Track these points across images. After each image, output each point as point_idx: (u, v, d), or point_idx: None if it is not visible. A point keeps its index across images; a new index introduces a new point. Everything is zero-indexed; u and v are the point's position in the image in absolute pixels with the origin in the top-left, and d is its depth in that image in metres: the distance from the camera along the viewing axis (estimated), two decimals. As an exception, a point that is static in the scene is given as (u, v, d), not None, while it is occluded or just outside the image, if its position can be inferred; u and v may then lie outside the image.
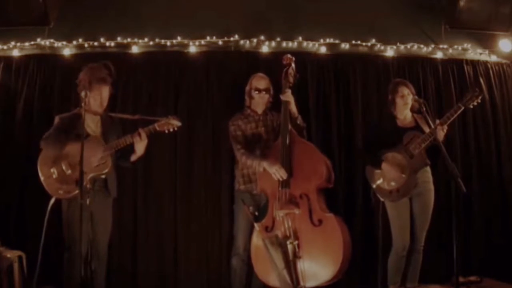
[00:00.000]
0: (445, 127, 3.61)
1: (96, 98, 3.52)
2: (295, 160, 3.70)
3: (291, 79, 3.86)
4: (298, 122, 3.92)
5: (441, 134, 3.59)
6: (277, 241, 3.52)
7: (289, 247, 3.50)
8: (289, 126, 3.77)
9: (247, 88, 4.04)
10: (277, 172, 3.63)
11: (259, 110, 4.02)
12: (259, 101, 3.99)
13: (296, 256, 3.50)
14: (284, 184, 3.65)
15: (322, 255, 3.51)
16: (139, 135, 3.46)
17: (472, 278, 4.02)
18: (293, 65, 3.88)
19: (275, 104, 4.00)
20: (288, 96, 3.81)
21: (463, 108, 3.66)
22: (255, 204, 3.84)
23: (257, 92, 3.97)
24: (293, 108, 3.87)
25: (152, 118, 3.56)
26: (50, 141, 3.46)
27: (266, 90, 3.99)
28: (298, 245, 3.52)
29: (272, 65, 4.35)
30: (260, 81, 4.00)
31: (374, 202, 3.76)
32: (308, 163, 3.69)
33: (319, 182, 3.68)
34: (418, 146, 3.69)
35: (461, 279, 3.69)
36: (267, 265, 3.55)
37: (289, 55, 3.91)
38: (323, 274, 3.50)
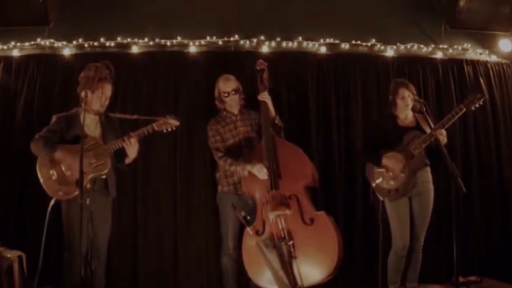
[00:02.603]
0: (444, 131, 3.60)
1: (101, 96, 3.49)
2: (281, 161, 3.69)
3: (266, 84, 3.89)
4: (276, 121, 3.92)
5: (442, 138, 3.57)
6: (272, 243, 3.52)
7: (284, 248, 3.49)
8: (270, 128, 3.77)
9: (216, 93, 4.02)
10: (260, 171, 3.63)
11: (235, 110, 4.00)
12: (231, 103, 3.98)
13: (291, 256, 3.49)
14: (273, 185, 3.63)
15: (318, 253, 3.50)
16: (129, 140, 3.43)
17: (472, 278, 4.03)
18: (266, 70, 3.90)
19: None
20: (265, 97, 3.83)
21: (464, 109, 3.65)
22: (243, 205, 3.83)
23: (226, 95, 3.96)
24: (271, 108, 3.87)
25: (150, 118, 3.55)
26: (39, 147, 3.40)
27: (235, 91, 3.97)
28: (293, 245, 3.51)
29: (272, 65, 4.34)
30: (226, 84, 3.98)
31: (373, 201, 3.76)
32: (294, 164, 3.70)
33: (307, 182, 3.69)
34: (418, 146, 3.68)
35: (461, 279, 3.70)
36: (260, 268, 3.55)
37: (261, 60, 3.95)
38: (320, 271, 3.49)
